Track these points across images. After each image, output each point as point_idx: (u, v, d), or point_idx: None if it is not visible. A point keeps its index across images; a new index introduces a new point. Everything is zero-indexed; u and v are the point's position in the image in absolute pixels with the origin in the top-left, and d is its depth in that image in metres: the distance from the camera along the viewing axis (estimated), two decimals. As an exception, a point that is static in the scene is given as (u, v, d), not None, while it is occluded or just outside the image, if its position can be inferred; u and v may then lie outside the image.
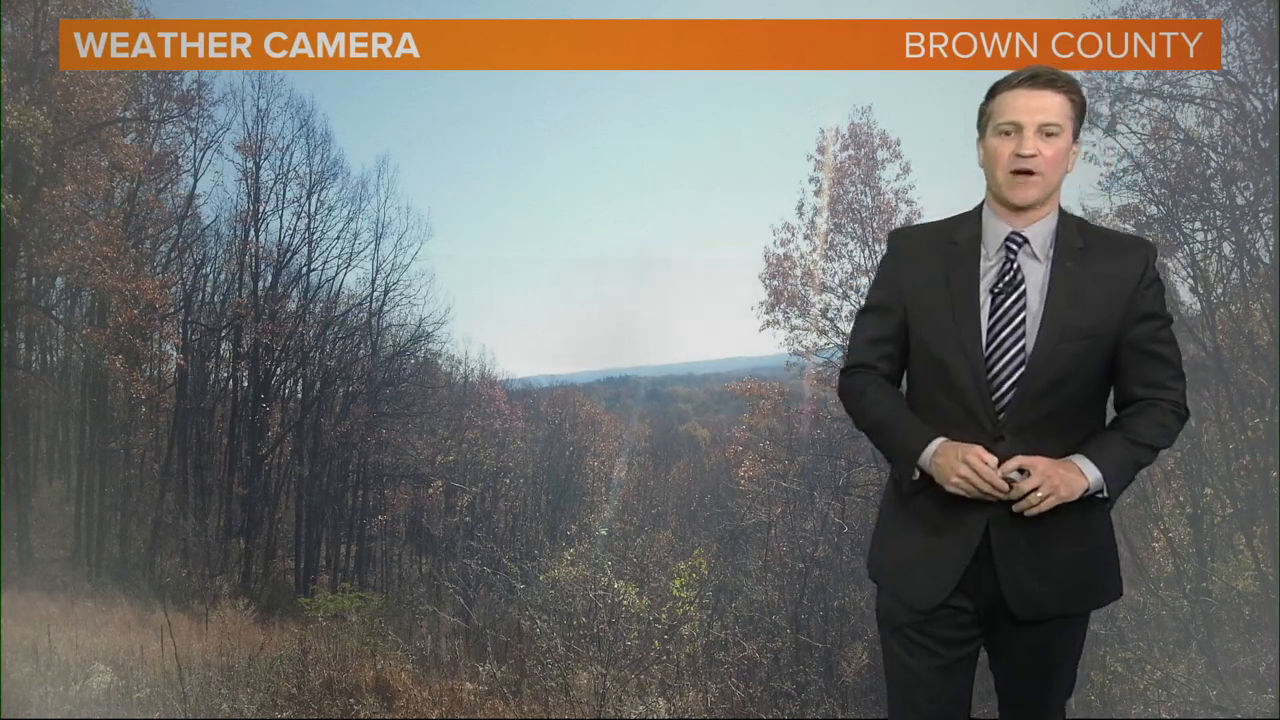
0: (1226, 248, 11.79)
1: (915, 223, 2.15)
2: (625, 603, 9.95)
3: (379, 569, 20.08)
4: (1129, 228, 11.83)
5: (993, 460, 1.95)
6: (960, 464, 1.94)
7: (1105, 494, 1.99)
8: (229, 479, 17.80)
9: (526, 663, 7.61)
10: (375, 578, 19.54)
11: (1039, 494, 1.93)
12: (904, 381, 2.24)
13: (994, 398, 2.00)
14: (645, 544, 12.64)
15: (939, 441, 2.01)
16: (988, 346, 2.01)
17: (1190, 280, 11.71)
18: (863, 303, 2.24)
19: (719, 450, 22.10)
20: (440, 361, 20.87)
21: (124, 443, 16.85)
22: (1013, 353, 1.99)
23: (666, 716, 6.91)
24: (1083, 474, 1.96)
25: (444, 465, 20.08)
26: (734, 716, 7.74)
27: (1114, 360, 2.06)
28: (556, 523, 21.40)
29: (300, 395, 19.09)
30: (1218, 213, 11.76)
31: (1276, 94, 11.06)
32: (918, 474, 2.04)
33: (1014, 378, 1.99)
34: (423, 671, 7.22)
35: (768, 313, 16.62)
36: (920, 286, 2.10)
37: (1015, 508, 1.96)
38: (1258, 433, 10.97)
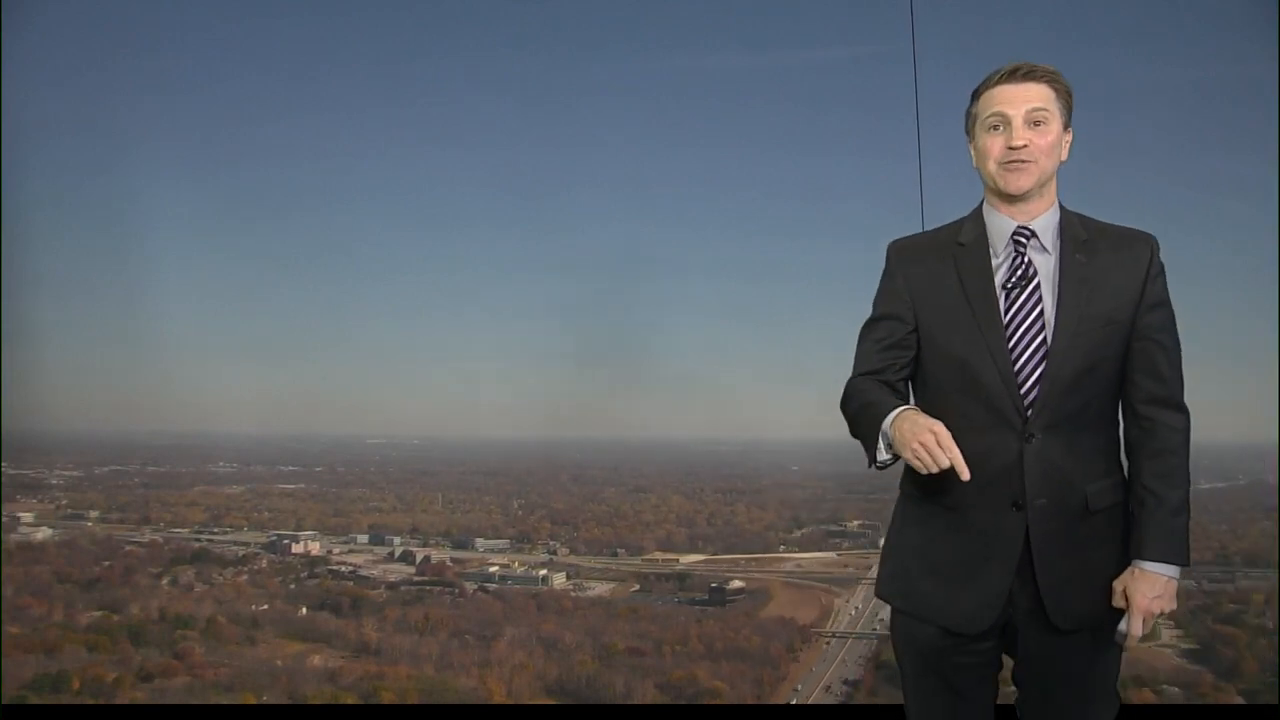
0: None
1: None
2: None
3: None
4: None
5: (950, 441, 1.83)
6: (925, 432, 1.82)
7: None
8: None
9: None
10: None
11: (1148, 624, 1.96)
12: (911, 393, 2.15)
13: (1021, 393, 1.96)
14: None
15: (904, 408, 1.93)
16: (1009, 342, 1.97)
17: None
18: (870, 315, 2.15)
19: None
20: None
21: None
22: (1034, 345, 1.96)
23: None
24: (1161, 574, 1.95)
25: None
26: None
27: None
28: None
29: None
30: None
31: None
32: (886, 452, 1.92)
33: (1038, 372, 1.95)
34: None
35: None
36: (932, 290, 2.06)
37: (1130, 642, 1.99)
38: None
